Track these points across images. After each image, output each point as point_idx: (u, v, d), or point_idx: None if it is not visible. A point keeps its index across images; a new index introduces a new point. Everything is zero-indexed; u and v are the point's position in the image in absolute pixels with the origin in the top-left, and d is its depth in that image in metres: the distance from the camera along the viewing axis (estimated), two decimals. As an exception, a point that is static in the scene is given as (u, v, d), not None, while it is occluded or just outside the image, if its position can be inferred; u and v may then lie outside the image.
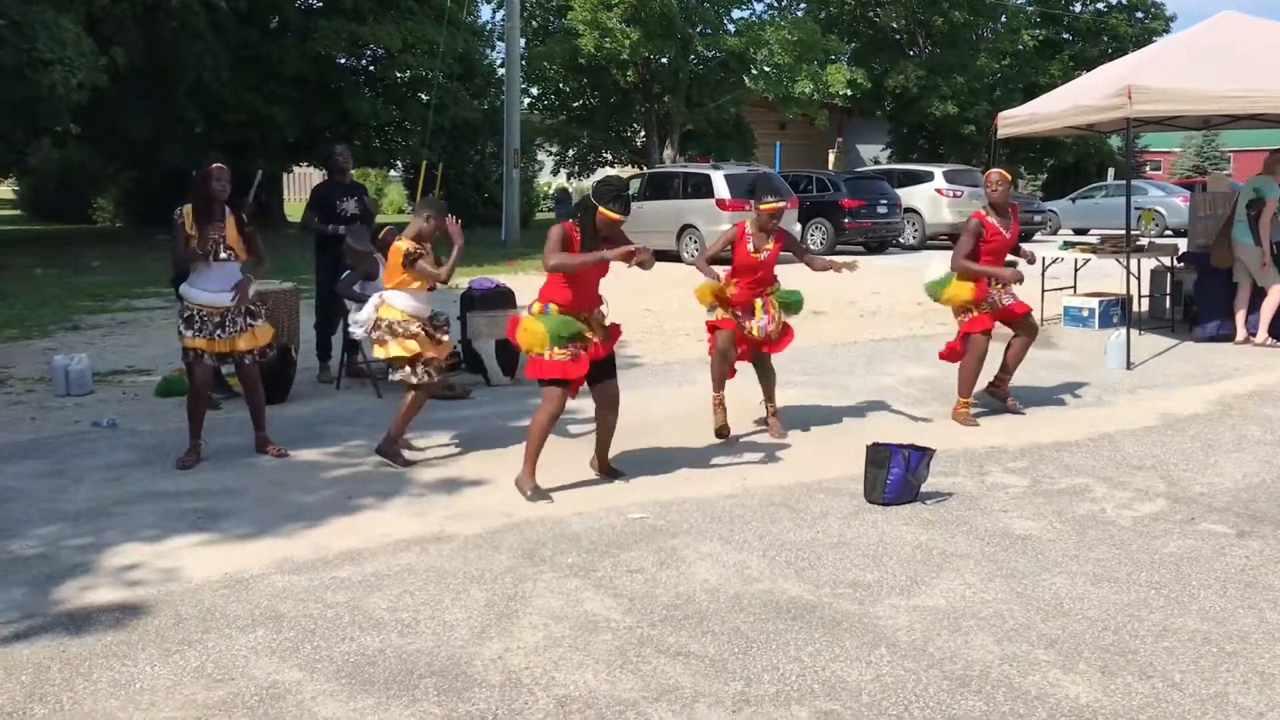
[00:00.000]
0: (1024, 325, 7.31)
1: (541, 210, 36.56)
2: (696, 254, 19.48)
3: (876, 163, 34.53)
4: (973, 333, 7.14)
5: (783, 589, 4.42)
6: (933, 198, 23.65)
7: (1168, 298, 11.76)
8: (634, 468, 6.13)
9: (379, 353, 6.27)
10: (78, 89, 17.13)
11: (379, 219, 12.57)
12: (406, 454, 6.38)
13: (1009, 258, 7.38)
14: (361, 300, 8.30)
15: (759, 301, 6.69)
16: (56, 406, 7.81)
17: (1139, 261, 11.40)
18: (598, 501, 5.54)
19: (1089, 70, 15.23)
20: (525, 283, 12.61)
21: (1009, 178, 7.33)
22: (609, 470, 5.98)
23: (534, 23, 31.98)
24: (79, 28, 17.38)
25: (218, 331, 6.32)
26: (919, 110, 35.64)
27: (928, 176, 24.29)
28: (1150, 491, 5.74)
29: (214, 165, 6.32)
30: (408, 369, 6.18)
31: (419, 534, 5.10)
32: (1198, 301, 10.79)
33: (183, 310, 6.35)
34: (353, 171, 9.31)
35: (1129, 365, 9.07)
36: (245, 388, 6.62)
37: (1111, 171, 36.70)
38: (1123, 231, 10.94)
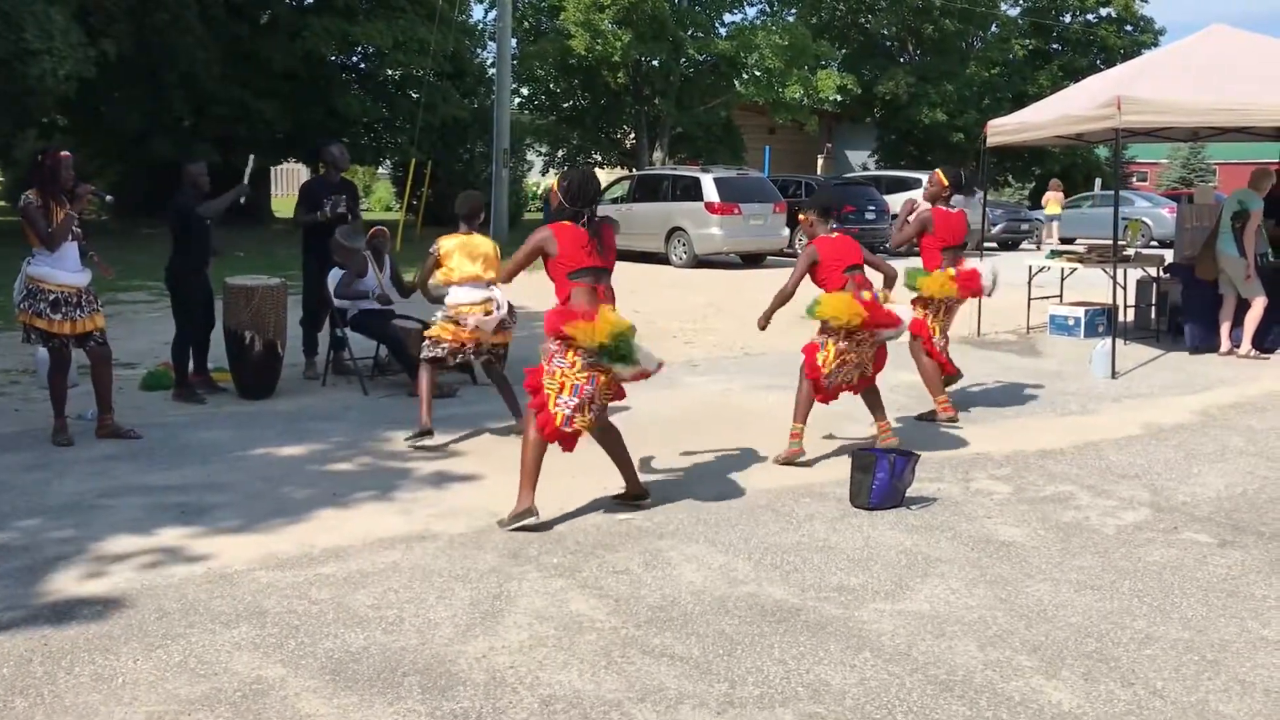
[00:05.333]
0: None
1: (530, 210, 36.50)
2: (684, 255, 19.52)
3: (865, 169, 34.65)
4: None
5: (768, 592, 4.43)
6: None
7: (1153, 308, 11.83)
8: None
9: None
10: (65, 80, 17.02)
11: (366, 216, 12.51)
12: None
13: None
14: (360, 298, 8.30)
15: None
16: (41, 399, 7.76)
17: (1125, 272, 11.46)
18: (584, 502, 5.54)
19: (1078, 81, 15.29)
20: (517, 284, 12.57)
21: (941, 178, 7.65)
22: None
23: (526, 23, 31.95)
24: (68, 18, 17.28)
25: (77, 311, 6.53)
26: (908, 117, 35.78)
27: (915, 183, 24.34)
28: (1134, 500, 5.77)
29: (63, 154, 6.62)
30: None
31: (404, 532, 5.10)
32: (1183, 312, 10.86)
33: (45, 294, 6.46)
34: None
35: (1114, 374, 9.12)
36: (99, 365, 6.72)
37: (1098, 182, 36.90)
38: (1109, 241, 10.99)
